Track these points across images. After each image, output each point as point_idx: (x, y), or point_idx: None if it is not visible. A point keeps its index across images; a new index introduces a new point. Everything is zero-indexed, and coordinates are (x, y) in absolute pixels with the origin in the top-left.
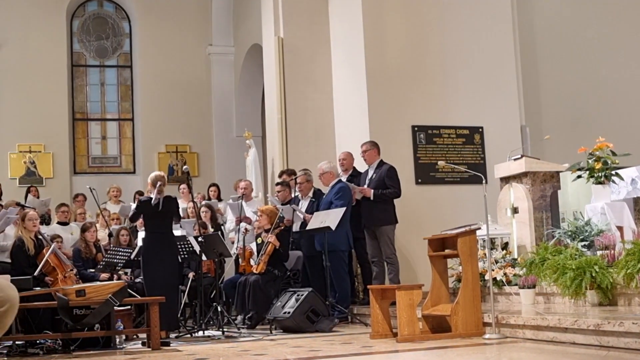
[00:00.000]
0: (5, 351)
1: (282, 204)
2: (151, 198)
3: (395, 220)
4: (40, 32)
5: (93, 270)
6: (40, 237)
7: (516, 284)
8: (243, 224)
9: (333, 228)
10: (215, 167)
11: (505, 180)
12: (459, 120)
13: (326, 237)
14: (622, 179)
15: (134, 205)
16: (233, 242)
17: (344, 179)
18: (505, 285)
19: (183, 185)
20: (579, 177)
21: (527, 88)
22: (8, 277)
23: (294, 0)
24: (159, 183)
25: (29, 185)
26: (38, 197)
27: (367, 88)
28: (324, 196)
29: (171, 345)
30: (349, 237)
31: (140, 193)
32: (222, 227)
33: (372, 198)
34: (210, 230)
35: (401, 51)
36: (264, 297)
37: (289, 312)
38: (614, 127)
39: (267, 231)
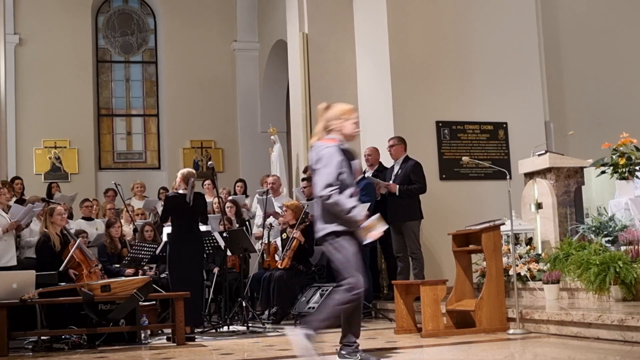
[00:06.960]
0: (30, 346)
1: (308, 200)
2: (178, 193)
3: (421, 216)
4: (66, 28)
5: (118, 265)
6: (65, 232)
7: (540, 280)
8: (268, 219)
9: None
10: (240, 163)
11: (529, 175)
12: (483, 116)
13: None
14: None
15: (159, 203)
16: (258, 238)
17: (369, 174)
18: (529, 280)
19: (207, 181)
20: (603, 172)
21: (551, 84)
22: (33, 272)
23: None
24: (191, 179)
25: (51, 181)
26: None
27: (392, 84)
28: None
29: (196, 340)
30: None
31: (165, 189)
32: (248, 223)
33: (397, 194)
34: (235, 225)
35: (425, 47)
36: (289, 293)
37: (313, 308)
38: (638, 123)
39: (292, 226)
